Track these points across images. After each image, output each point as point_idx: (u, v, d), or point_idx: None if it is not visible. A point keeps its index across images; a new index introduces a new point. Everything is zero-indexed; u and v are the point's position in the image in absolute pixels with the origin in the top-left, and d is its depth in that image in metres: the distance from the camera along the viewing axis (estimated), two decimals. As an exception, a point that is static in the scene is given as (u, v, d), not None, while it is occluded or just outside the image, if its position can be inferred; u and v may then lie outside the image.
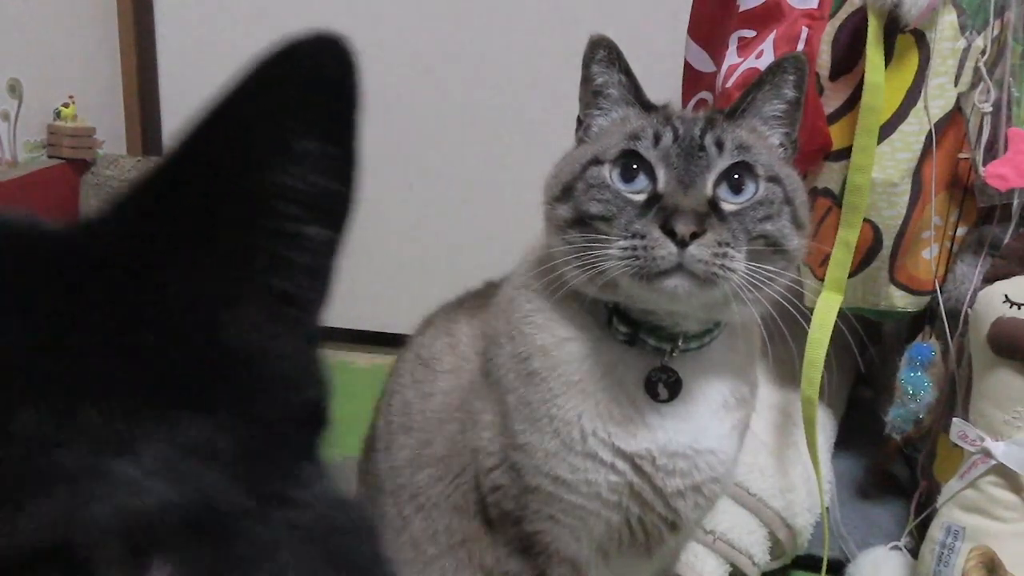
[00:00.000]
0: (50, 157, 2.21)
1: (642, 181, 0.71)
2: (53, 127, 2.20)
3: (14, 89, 2.12)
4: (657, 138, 0.72)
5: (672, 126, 0.73)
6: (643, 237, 0.67)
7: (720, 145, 0.71)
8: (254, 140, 0.30)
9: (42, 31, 2.20)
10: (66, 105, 2.20)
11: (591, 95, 0.79)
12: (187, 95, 2.45)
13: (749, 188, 0.71)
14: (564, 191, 0.75)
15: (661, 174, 0.71)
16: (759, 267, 0.69)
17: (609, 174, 0.72)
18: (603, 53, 0.77)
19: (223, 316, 0.30)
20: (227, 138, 0.30)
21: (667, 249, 0.66)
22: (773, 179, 0.72)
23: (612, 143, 0.74)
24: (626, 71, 0.78)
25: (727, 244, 0.67)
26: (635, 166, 0.72)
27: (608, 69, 0.78)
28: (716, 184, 0.71)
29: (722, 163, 0.71)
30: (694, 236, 0.66)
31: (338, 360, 2.31)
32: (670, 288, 0.68)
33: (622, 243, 0.68)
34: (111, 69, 2.41)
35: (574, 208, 0.73)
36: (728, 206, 0.70)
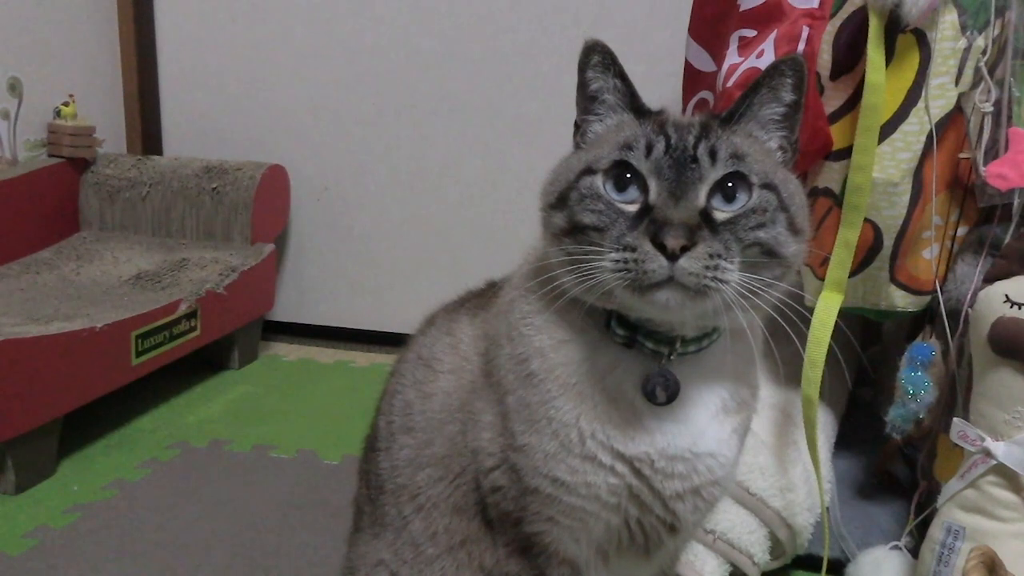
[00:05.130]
0: (50, 156, 2.21)
1: (634, 191, 0.71)
2: (53, 126, 2.20)
3: (14, 88, 2.12)
4: (649, 148, 0.71)
5: (665, 135, 0.72)
6: (634, 250, 0.67)
7: (713, 155, 0.70)
8: None
9: (42, 31, 2.20)
10: (66, 104, 2.20)
11: (587, 100, 0.79)
12: (187, 95, 2.45)
13: (742, 197, 0.71)
14: (559, 199, 0.75)
15: (652, 185, 0.70)
16: (753, 277, 0.69)
17: (602, 184, 0.72)
18: (597, 58, 0.77)
19: None
20: None
21: (657, 262, 0.66)
22: (767, 186, 0.72)
23: (605, 152, 0.74)
24: (621, 76, 0.77)
25: (719, 256, 0.67)
26: (628, 175, 0.71)
27: (603, 74, 0.77)
28: (709, 195, 0.70)
29: (715, 174, 0.70)
30: (684, 249, 0.66)
31: (338, 360, 2.31)
32: (662, 300, 0.67)
33: (614, 255, 0.68)
34: (111, 69, 2.41)
35: (568, 217, 0.73)
36: (720, 215, 0.70)
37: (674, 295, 0.67)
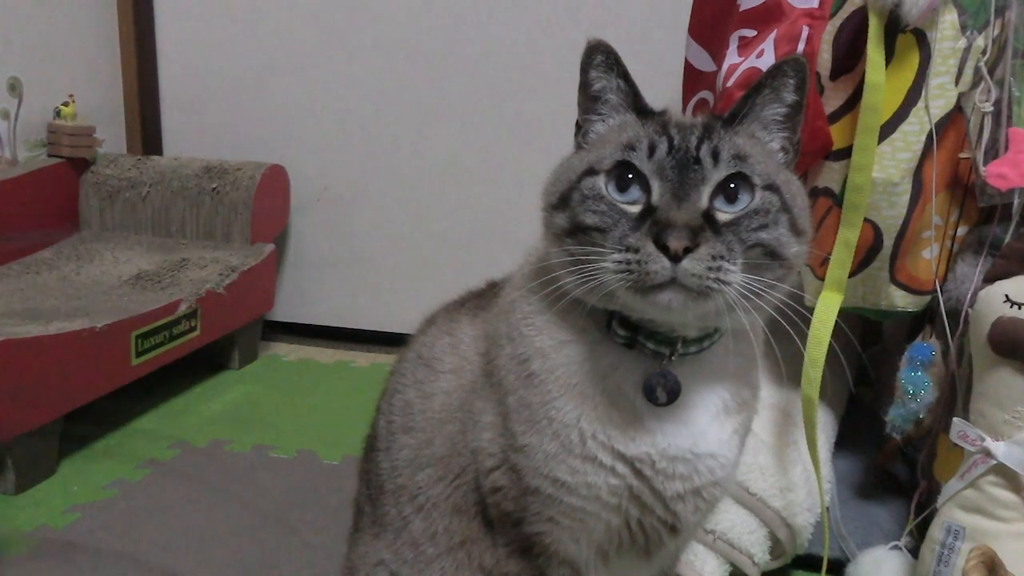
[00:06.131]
0: (50, 156, 2.21)
1: (636, 192, 0.71)
2: (53, 126, 2.20)
3: (14, 88, 2.12)
4: (652, 149, 0.71)
5: (668, 135, 0.72)
6: (637, 251, 0.67)
7: (716, 156, 0.70)
8: None
9: (42, 31, 2.20)
10: (66, 104, 2.20)
11: (589, 100, 0.78)
12: (187, 95, 2.45)
13: (744, 198, 0.71)
14: (561, 200, 0.75)
15: (655, 186, 0.70)
16: (756, 278, 0.69)
17: (604, 185, 0.72)
18: (601, 58, 0.76)
19: None
20: None
21: (660, 264, 0.66)
22: (770, 187, 0.72)
23: (608, 152, 0.74)
24: (624, 76, 0.77)
25: (722, 257, 0.67)
26: (630, 176, 0.71)
27: (606, 74, 0.77)
28: (712, 196, 0.70)
29: (717, 175, 0.70)
30: (687, 250, 0.66)
31: (338, 360, 2.31)
32: (664, 301, 0.67)
33: (616, 256, 0.68)
34: (111, 69, 2.41)
35: (570, 218, 0.73)
36: (723, 216, 0.70)
37: (676, 296, 0.67)
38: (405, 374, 0.92)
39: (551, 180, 0.78)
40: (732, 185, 0.70)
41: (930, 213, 1.26)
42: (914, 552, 1.25)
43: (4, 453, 1.52)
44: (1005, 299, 1.13)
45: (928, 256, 1.28)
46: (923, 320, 1.35)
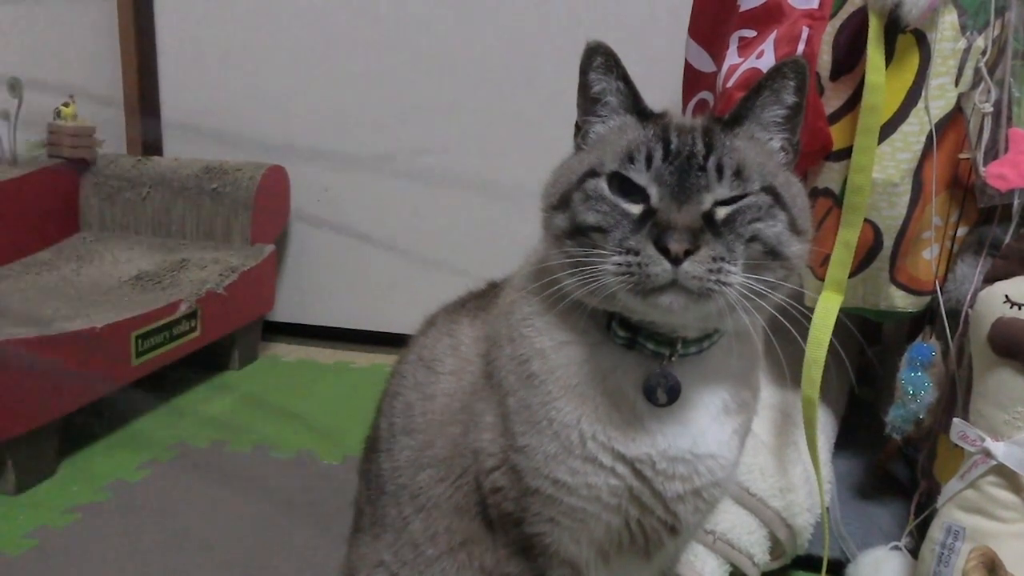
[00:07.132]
0: (50, 156, 2.21)
1: (637, 196, 0.71)
2: (53, 126, 2.20)
3: (14, 88, 2.11)
4: (650, 157, 0.71)
5: (667, 140, 0.72)
6: (637, 253, 0.67)
7: (720, 170, 0.70)
8: None
9: (42, 31, 2.20)
10: (66, 104, 2.20)
11: (589, 102, 0.78)
12: (187, 95, 2.45)
13: (742, 200, 0.71)
14: (561, 200, 0.75)
15: (653, 191, 0.70)
16: (757, 279, 0.69)
17: (607, 186, 0.72)
18: (600, 60, 0.76)
19: None
20: None
21: (661, 266, 0.66)
22: (768, 188, 0.72)
23: (608, 157, 0.74)
24: (624, 78, 0.77)
25: (722, 259, 0.67)
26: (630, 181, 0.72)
27: (606, 76, 0.77)
28: (713, 203, 0.70)
29: (721, 190, 0.70)
30: (688, 253, 0.66)
31: (338, 360, 2.31)
32: (665, 303, 0.68)
33: (617, 258, 0.68)
34: (111, 69, 2.41)
35: (571, 219, 0.73)
36: (721, 212, 0.70)
37: (677, 298, 0.67)
38: (406, 376, 0.92)
39: (551, 181, 0.79)
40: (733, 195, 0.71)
41: (930, 214, 1.26)
42: (914, 552, 1.25)
43: (4, 453, 1.52)
44: (1005, 300, 1.13)
45: (928, 257, 1.28)
46: (923, 320, 1.35)
